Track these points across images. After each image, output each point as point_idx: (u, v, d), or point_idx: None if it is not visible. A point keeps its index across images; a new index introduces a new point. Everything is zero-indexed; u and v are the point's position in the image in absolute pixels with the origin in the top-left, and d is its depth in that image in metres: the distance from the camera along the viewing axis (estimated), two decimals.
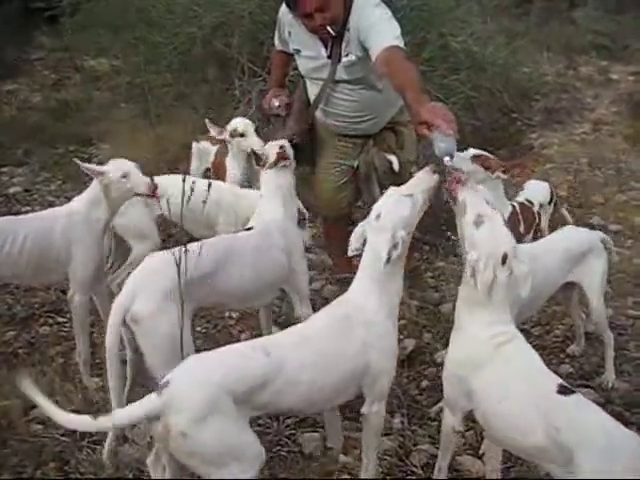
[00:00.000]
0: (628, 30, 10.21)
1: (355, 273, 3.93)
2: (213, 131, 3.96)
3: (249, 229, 2.92)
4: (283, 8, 3.32)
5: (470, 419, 2.31)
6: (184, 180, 2.59)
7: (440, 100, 3.14)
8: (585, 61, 9.52)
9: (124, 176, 3.00)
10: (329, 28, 3.12)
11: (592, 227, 4.02)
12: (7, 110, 7.31)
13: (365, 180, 3.81)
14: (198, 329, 3.52)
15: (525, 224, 3.45)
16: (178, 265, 2.37)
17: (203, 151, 4.50)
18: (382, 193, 3.81)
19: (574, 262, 3.00)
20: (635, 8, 10.68)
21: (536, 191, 3.85)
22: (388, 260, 2.21)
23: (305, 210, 3.58)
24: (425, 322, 3.54)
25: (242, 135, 3.87)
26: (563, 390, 2.01)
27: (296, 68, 3.66)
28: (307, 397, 2.16)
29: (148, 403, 1.91)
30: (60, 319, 3.66)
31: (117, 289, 3.24)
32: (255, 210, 3.07)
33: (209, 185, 3.32)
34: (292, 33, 3.37)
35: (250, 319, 3.53)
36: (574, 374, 3.21)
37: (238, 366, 2.03)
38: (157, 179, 3.16)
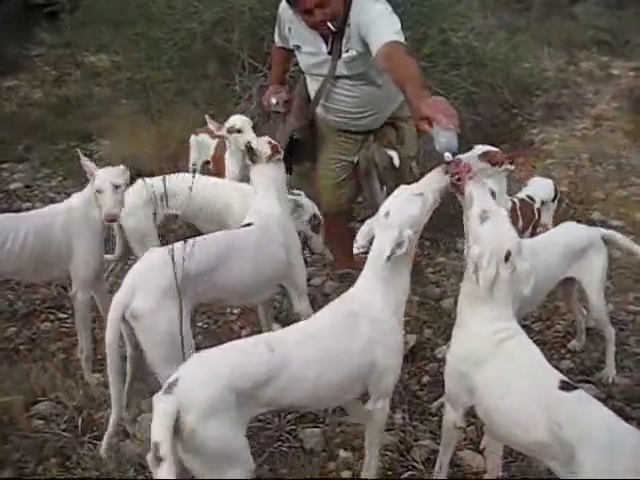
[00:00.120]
0: (629, 25, 10.18)
1: (355, 269, 3.95)
2: (212, 126, 3.97)
3: (248, 225, 2.91)
4: (283, 4, 3.31)
5: (471, 414, 2.31)
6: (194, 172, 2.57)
7: (441, 95, 3.12)
8: (586, 56, 9.49)
9: (98, 191, 2.96)
10: (329, 24, 3.12)
11: (592, 223, 4.02)
12: (8, 106, 7.31)
13: (365, 176, 3.81)
14: (199, 325, 3.53)
15: (524, 220, 3.45)
16: (177, 261, 2.37)
17: (202, 144, 4.51)
18: (382, 189, 3.87)
19: (574, 258, 3.00)
20: (636, 3, 10.65)
21: (539, 188, 3.85)
22: (389, 257, 2.20)
23: (320, 215, 3.58)
24: (426, 318, 3.54)
25: (239, 131, 3.87)
26: (565, 386, 2.01)
27: (296, 64, 3.66)
28: (312, 394, 2.16)
29: (166, 408, 1.87)
30: (61, 315, 3.66)
31: None
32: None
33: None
34: (292, 29, 3.36)
35: (251, 315, 3.53)
36: (575, 369, 3.21)
37: (243, 362, 2.03)
38: (168, 178, 3.14)
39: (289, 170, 3.73)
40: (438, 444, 2.48)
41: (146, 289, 2.42)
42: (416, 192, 2.31)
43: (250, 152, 2.97)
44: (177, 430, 1.85)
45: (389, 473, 2.56)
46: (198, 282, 2.53)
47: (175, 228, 3.67)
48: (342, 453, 2.66)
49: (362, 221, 3.60)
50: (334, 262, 4.11)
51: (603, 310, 3.10)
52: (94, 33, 7.44)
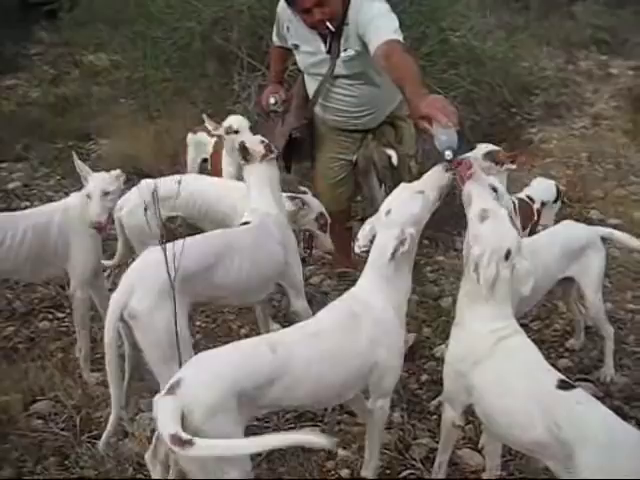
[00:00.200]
0: (628, 24, 10.17)
1: (354, 268, 3.95)
2: (210, 126, 3.96)
3: (245, 223, 2.91)
4: (282, 3, 3.31)
5: (469, 413, 2.32)
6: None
7: (439, 94, 3.13)
8: (585, 55, 9.48)
9: (88, 196, 2.97)
10: (328, 23, 3.12)
11: (591, 222, 4.02)
12: (6, 105, 7.28)
13: (364, 175, 3.81)
14: (197, 324, 3.53)
15: (522, 220, 3.46)
16: (173, 260, 2.37)
17: (200, 142, 4.51)
18: (381, 188, 3.87)
19: (572, 257, 3.00)
20: (635, 2, 10.64)
21: (540, 189, 3.85)
22: (393, 256, 2.20)
23: (328, 215, 3.58)
24: (425, 316, 3.54)
25: (237, 132, 3.86)
26: (563, 385, 2.01)
27: (295, 63, 3.65)
28: (314, 394, 2.16)
29: (171, 407, 1.86)
30: (60, 314, 3.66)
31: None
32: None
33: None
34: (291, 28, 3.36)
35: (249, 314, 3.53)
36: (573, 368, 3.21)
37: (246, 363, 2.03)
38: (171, 179, 3.13)
39: (288, 169, 3.75)
40: (437, 442, 2.49)
41: (144, 288, 2.42)
42: (417, 190, 2.30)
43: (244, 151, 2.96)
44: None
45: (388, 472, 2.56)
46: (196, 281, 2.53)
47: (174, 227, 3.66)
48: (341, 452, 2.66)
49: (361, 220, 3.64)
50: (333, 261, 4.11)
51: (601, 309, 3.10)
52: (93, 32, 7.43)
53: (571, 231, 3.12)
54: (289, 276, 2.97)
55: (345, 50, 3.24)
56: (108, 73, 7.47)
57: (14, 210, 3.95)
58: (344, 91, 3.42)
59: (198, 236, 2.78)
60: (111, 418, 2.50)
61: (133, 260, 2.73)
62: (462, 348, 2.23)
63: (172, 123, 5.69)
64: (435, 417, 2.81)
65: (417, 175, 3.45)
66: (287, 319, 3.40)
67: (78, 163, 3.04)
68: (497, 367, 2.12)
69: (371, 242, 2.31)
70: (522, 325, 2.27)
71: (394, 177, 3.56)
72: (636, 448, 1.83)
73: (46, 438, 2.70)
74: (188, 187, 3.41)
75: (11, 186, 5.43)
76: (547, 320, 3.62)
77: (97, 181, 2.99)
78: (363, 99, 3.43)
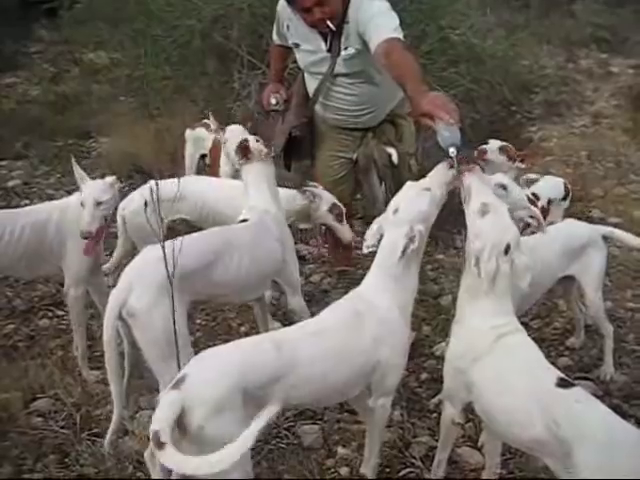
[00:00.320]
0: (628, 23, 10.17)
1: (353, 266, 3.95)
2: (213, 125, 3.95)
3: (244, 221, 2.91)
4: (282, 2, 3.31)
5: (469, 411, 2.32)
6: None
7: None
8: (585, 54, 9.49)
9: (81, 204, 2.94)
10: (328, 22, 3.11)
11: (591, 220, 4.03)
12: (6, 103, 7.29)
13: (364, 173, 3.81)
14: (197, 322, 3.53)
15: None
16: (172, 258, 2.36)
17: (198, 137, 4.51)
18: (381, 186, 3.87)
19: (573, 255, 3.00)
20: (635, 1, 10.63)
21: (547, 187, 3.85)
22: (403, 253, 2.20)
23: (342, 205, 3.57)
24: (425, 315, 3.54)
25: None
26: (563, 383, 2.01)
27: (295, 62, 3.65)
28: (317, 392, 2.16)
29: (171, 401, 1.87)
30: (59, 312, 3.66)
31: None
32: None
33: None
34: (291, 27, 3.36)
35: (249, 312, 3.53)
36: (573, 366, 3.21)
37: (251, 361, 2.03)
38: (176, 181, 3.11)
39: (288, 167, 3.75)
40: (436, 441, 2.48)
41: (142, 286, 2.41)
42: (424, 188, 2.31)
43: (245, 151, 2.96)
44: (182, 428, 1.86)
45: (387, 470, 2.56)
46: (195, 278, 2.53)
47: (174, 226, 3.66)
48: (340, 450, 2.66)
49: (361, 218, 3.64)
50: (332, 259, 4.11)
51: (600, 308, 3.10)
52: (93, 30, 7.42)
53: (572, 229, 3.12)
54: (286, 274, 2.97)
55: (345, 49, 3.24)
56: (108, 71, 7.47)
57: (14, 208, 3.94)
58: (344, 90, 3.42)
59: (197, 234, 2.78)
60: (114, 416, 2.49)
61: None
62: (462, 345, 2.23)
63: (172, 121, 5.69)
64: (435, 415, 2.80)
65: (417, 173, 3.47)
66: (287, 317, 3.40)
67: (76, 168, 3.02)
68: (497, 364, 2.12)
69: (378, 242, 2.31)
70: (522, 323, 2.27)
71: (394, 175, 3.56)
72: (635, 447, 1.83)
73: (46, 436, 2.70)
74: (193, 189, 3.41)
75: (11, 184, 5.44)
76: (547, 319, 3.62)
77: (90, 189, 2.95)
78: (363, 97, 3.43)
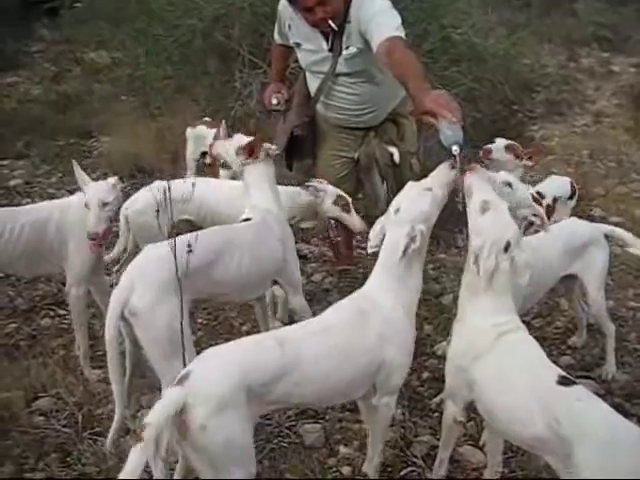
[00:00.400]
0: (629, 21, 10.17)
1: (355, 266, 3.95)
2: (222, 133, 3.91)
3: (246, 220, 2.90)
4: (283, 1, 3.31)
5: (471, 410, 2.32)
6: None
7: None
8: (586, 53, 9.49)
9: (86, 205, 2.93)
10: (330, 22, 3.11)
11: (593, 219, 4.03)
12: (7, 103, 7.29)
13: (366, 172, 3.81)
14: (199, 321, 3.53)
15: None
16: (175, 256, 2.36)
17: (199, 135, 4.51)
18: (383, 185, 3.87)
19: (575, 254, 3.00)
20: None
21: (553, 186, 3.85)
22: (404, 253, 2.20)
23: (347, 196, 3.57)
24: (426, 314, 3.54)
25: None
26: (564, 381, 2.01)
27: (296, 61, 3.65)
28: (321, 391, 2.16)
29: (173, 396, 1.88)
30: (61, 311, 3.66)
31: None
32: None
33: None
34: (292, 27, 3.36)
35: (251, 311, 3.53)
36: (575, 365, 3.21)
37: (255, 359, 2.03)
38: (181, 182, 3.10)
39: (289, 167, 3.75)
40: (438, 440, 2.49)
41: (144, 285, 2.41)
42: (425, 187, 2.31)
43: (251, 150, 2.95)
44: (183, 429, 1.86)
45: (389, 469, 2.56)
46: (196, 277, 2.53)
47: (175, 226, 3.66)
48: (342, 449, 2.66)
49: (363, 217, 3.63)
50: (334, 258, 4.11)
51: (603, 306, 3.10)
52: (94, 29, 7.44)
53: (574, 228, 3.12)
54: (287, 273, 2.97)
55: (347, 48, 3.23)
56: (109, 70, 7.48)
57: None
58: (346, 89, 3.41)
59: (198, 232, 2.78)
60: (116, 416, 2.49)
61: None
62: (463, 343, 2.23)
63: (173, 121, 5.70)
64: (436, 415, 2.81)
65: (419, 172, 3.47)
66: (290, 316, 3.41)
67: (77, 170, 3.01)
68: (498, 362, 2.12)
69: (382, 242, 2.31)
70: (524, 322, 2.27)
71: (396, 174, 3.56)
72: (637, 446, 1.82)
73: (48, 435, 2.70)
74: (197, 191, 3.41)
75: (12, 183, 5.44)
76: (549, 318, 3.62)
77: (95, 191, 2.94)
78: (365, 97, 3.43)
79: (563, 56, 9.09)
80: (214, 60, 6.04)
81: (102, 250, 3.13)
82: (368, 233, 2.42)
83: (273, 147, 2.99)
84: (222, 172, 4.03)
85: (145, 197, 3.30)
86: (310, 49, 3.35)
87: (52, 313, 3.69)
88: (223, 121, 3.95)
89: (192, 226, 3.45)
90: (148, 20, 6.22)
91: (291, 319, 3.31)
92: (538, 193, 3.68)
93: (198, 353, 2.13)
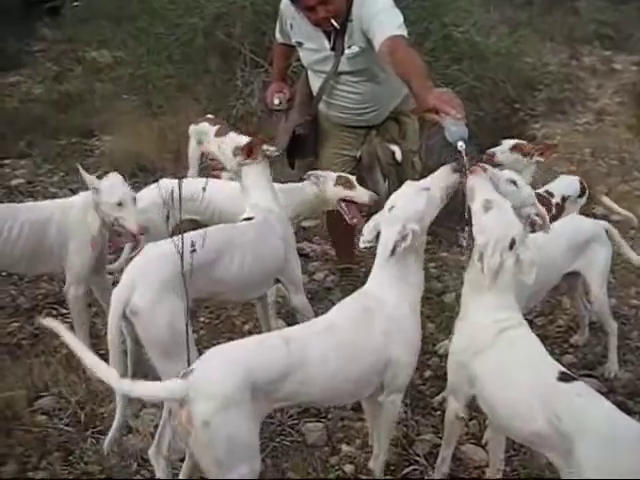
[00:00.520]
0: (631, 20, 10.17)
1: (357, 264, 3.95)
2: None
3: (248, 219, 2.90)
4: (285, 0, 3.30)
5: (473, 408, 2.31)
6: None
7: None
8: (588, 51, 9.49)
9: (119, 204, 2.92)
10: (332, 21, 3.10)
11: (595, 217, 4.02)
12: (9, 102, 7.29)
13: (368, 170, 3.80)
14: (201, 320, 3.53)
15: None
16: (178, 254, 2.36)
17: (201, 132, 4.51)
18: (385, 183, 3.86)
19: (578, 251, 3.00)
20: None
21: (562, 185, 3.85)
22: (393, 252, 2.20)
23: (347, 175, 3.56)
24: (428, 312, 3.54)
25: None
26: (564, 377, 2.01)
27: (298, 60, 3.65)
28: (328, 389, 2.16)
29: (171, 385, 1.91)
30: (63, 310, 3.65)
31: None
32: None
33: None
34: (294, 26, 3.35)
35: (253, 310, 3.53)
36: (577, 364, 3.21)
37: (260, 357, 2.03)
38: (187, 181, 3.09)
39: (292, 165, 3.75)
40: (440, 438, 2.49)
41: (145, 284, 2.40)
42: (422, 187, 2.31)
43: (250, 151, 2.94)
44: (189, 422, 1.87)
45: (392, 467, 2.56)
46: (198, 276, 2.52)
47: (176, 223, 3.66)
48: (345, 447, 2.66)
49: (364, 216, 3.63)
50: (336, 257, 4.11)
51: (605, 303, 3.10)
52: (95, 28, 7.44)
53: (577, 224, 3.12)
54: (288, 272, 2.96)
55: (349, 47, 3.23)
56: (111, 70, 7.47)
57: None
58: (348, 88, 3.41)
59: (199, 231, 2.78)
60: (117, 415, 2.49)
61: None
62: (465, 338, 2.23)
63: (175, 119, 5.69)
64: (438, 413, 2.81)
65: (420, 171, 3.47)
66: (289, 315, 3.41)
67: (83, 174, 2.99)
68: (499, 357, 2.13)
69: (377, 238, 2.31)
70: (526, 321, 2.27)
71: (398, 173, 3.56)
72: (638, 442, 1.82)
73: (50, 434, 2.70)
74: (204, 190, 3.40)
75: (14, 183, 5.44)
76: (551, 316, 3.62)
77: (120, 189, 2.92)
78: (367, 96, 3.43)
79: (565, 54, 9.09)
80: (215, 59, 6.04)
81: (102, 248, 3.13)
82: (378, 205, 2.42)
83: (272, 148, 2.99)
84: (223, 173, 4.02)
85: (150, 195, 3.30)
86: (312, 48, 3.35)
87: (54, 312, 3.67)
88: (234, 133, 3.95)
89: (195, 225, 3.45)
90: (149, 19, 6.22)
91: (294, 319, 3.31)
92: (547, 192, 3.68)
93: (200, 352, 2.13)
